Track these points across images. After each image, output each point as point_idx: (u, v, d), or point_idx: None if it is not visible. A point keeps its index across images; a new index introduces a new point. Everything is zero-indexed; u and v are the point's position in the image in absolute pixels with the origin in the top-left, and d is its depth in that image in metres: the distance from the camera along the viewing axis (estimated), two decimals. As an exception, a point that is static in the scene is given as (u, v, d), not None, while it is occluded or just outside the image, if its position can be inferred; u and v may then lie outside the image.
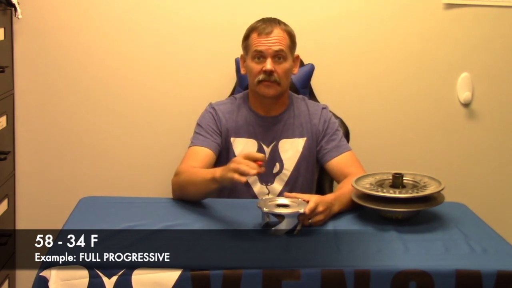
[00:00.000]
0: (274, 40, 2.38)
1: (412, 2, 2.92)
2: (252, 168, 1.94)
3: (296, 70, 2.50)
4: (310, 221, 2.01)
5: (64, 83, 2.88)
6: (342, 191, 2.21)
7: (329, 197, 2.12)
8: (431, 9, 2.93)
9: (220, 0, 2.87)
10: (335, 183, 2.57)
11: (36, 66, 2.85)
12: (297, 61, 2.50)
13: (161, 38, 2.87)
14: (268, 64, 2.37)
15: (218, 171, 2.07)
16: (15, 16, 2.71)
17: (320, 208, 2.03)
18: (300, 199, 2.03)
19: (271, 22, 2.42)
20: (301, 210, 1.98)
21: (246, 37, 2.44)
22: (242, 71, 2.51)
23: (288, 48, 2.41)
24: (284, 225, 1.96)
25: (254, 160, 1.97)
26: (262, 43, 2.38)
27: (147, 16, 2.86)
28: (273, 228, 1.97)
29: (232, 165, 1.99)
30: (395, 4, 2.92)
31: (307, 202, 2.02)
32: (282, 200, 2.05)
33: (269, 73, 2.37)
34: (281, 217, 1.96)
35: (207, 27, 2.87)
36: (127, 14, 2.85)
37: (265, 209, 1.98)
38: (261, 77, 2.39)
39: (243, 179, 1.96)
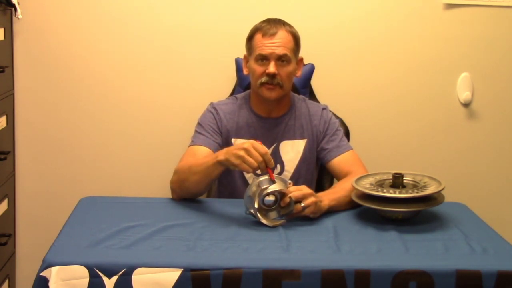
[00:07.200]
0: (279, 43, 2.36)
1: (412, 2, 2.92)
2: (256, 162, 2.00)
3: (299, 73, 2.48)
4: (300, 203, 2.05)
5: (64, 83, 2.88)
6: (334, 189, 2.24)
7: (318, 193, 2.15)
8: (431, 9, 2.93)
9: (220, 1, 2.87)
10: (335, 182, 2.57)
11: (36, 66, 2.85)
12: (301, 64, 2.49)
13: (162, 38, 2.87)
14: (271, 67, 2.35)
15: (221, 155, 2.10)
16: (15, 16, 2.71)
17: (306, 191, 2.06)
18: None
19: (276, 23, 2.40)
20: (289, 180, 2.10)
21: (250, 38, 2.42)
22: (245, 72, 2.49)
23: (292, 52, 2.39)
24: (277, 187, 2.03)
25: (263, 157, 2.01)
26: (266, 46, 2.36)
27: (148, 16, 2.85)
28: (266, 191, 2.02)
29: (240, 152, 2.02)
30: (395, 4, 2.92)
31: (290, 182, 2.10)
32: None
33: (272, 76, 2.36)
34: (272, 181, 2.03)
35: (207, 27, 2.87)
36: (127, 14, 2.85)
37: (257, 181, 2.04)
38: (263, 79, 2.37)
39: (249, 171, 2.05)
